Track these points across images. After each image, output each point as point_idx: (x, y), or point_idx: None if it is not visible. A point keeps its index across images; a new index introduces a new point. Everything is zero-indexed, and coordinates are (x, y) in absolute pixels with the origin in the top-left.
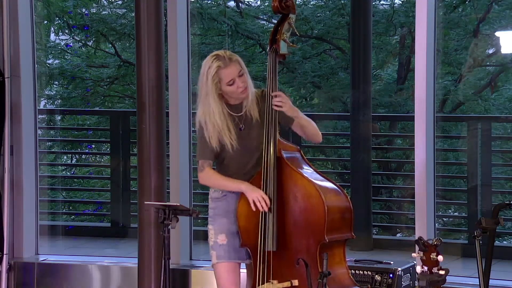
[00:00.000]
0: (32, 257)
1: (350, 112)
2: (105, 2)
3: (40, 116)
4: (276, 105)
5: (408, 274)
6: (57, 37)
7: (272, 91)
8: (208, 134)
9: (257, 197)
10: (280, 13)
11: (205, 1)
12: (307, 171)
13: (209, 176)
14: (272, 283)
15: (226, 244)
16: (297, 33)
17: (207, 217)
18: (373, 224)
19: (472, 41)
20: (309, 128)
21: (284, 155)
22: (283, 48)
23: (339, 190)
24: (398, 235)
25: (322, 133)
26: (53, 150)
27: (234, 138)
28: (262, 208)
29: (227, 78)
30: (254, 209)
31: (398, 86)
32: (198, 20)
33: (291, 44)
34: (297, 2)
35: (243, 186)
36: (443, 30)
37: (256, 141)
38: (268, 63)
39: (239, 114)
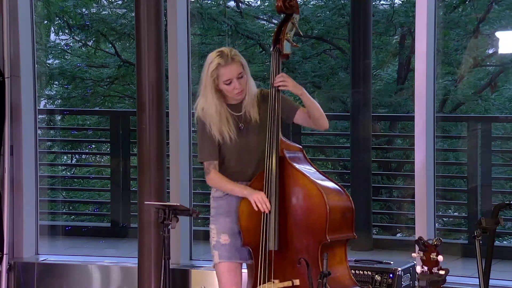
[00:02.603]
0: (32, 257)
1: (350, 112)
2: (105, 2)
3: (40, 116)
4: (280, 85)
5: (408, 274)
6: (57, 37)
7: (276, 92)
8: (208, 126)
9: (258, 198)
10: (283, 13)
11: (205, 1)
12: (309, 170)
13: (215, 179)
14: (273, 282)
15: (229, 244)
16: (300, 33)
17: (207, 217)
18: (373, 224)
19: (471, 40)
20: (315, 109)
21: (287, 155)
22: (287, 48)
23: (341, 190)
24: (398, 235)
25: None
26: (53, 150)
27: (232, 130)
28: (263, 209)
29: (224, 77)
30: (256, 208)
31: (398, 86)
32: (198, 20)
33: (294, 44)
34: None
35: (246, 192)
36: (443, 30)
37: (256, 142)
38: (271, 63)
39: (238, 114)
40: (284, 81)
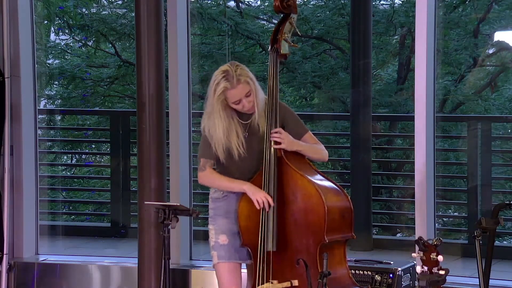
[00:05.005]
0: (32, 257)
1: (350, 112)
2: (105, 2)
3: (40, 116)
4: (274, 142)
5: (408, 274)
6: (57, 37)
7: (273, 92)
8: (214, 145)
9: (261, 198)
10: (281, 12)
11: (205, 1)
12: (308, 171)
13: (209, 176)
14: (272, 283)
15: (227, 244)
16: (298, 33)
17: (207, 217)
18: (373, 224)
19: (473, 41)
20: (314, 155)
21: (285, 155)
22: (285, 48)
23: (339, 190)
24: (398, 235)
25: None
26: (53, 150)
27: (241, 143)
28: (268, 208)
29: (233, 98)
30: (258, 207)
31: (398, 86)
32: (198, 20)
33: (292, 44)
34: (297, 2)
35: (245, 187)
36: (443, 30)
37: (258, 150)
38: (269, 63)
39: (246, 122)
40: (280, 138)
